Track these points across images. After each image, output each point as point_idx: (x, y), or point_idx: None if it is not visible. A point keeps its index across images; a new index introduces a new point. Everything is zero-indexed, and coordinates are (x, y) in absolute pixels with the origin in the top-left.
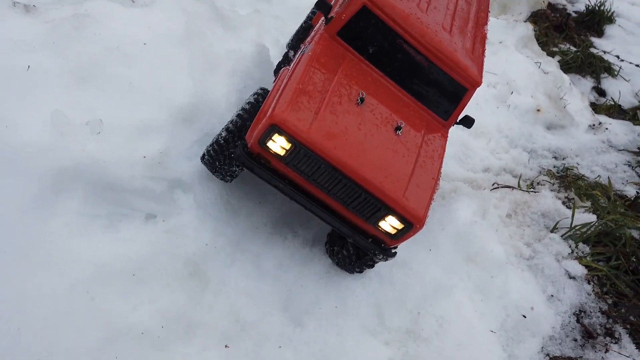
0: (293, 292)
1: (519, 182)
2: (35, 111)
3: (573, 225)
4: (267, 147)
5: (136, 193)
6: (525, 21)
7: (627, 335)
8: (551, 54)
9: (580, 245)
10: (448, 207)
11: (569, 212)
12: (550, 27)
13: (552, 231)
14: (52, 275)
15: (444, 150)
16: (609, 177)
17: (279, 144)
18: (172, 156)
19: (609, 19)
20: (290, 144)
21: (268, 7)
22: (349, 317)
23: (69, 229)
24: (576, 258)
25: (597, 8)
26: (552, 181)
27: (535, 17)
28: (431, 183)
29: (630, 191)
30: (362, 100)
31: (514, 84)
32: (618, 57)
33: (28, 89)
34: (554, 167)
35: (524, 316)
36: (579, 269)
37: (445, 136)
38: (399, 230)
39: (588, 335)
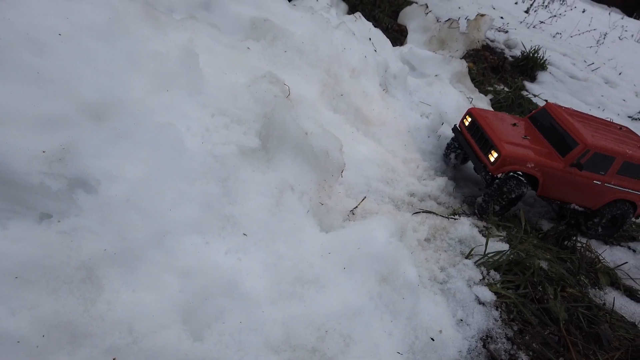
0: (196, 305)
1: (440, 209)
2: None
3: (486, 253)
4: (464, 122)
5: (32, 190)
6: (461, 58)
7: None
8: (485, 92)
9: (492, 272)
10: (366, 227)
11: (485, 240)
12: (488, 68)
13: (466, 257)
14: None
15: None
16: (521, 209)
17: (469, 120)
18: (76, 153)
19: (542, 65)
20: (470, 119)
21: (207, 15)
22: (253, 334)
23: None
24: (487, 284)
25: (531, 55)
26: (472, 210)
27: (474, 58)
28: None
29: (546, 225)
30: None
31: (446, 115)
32: (546, 101)
33: None
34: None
35: (432, 339)
36: (488, 295)
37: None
38: (495, 159)
39: None
